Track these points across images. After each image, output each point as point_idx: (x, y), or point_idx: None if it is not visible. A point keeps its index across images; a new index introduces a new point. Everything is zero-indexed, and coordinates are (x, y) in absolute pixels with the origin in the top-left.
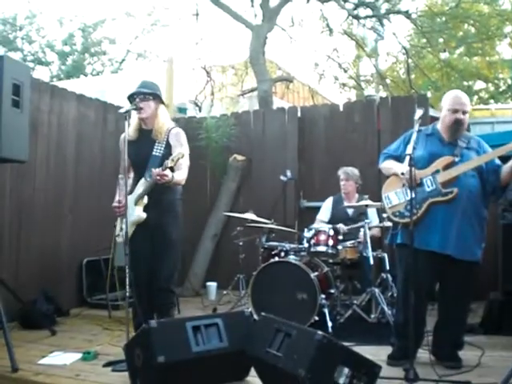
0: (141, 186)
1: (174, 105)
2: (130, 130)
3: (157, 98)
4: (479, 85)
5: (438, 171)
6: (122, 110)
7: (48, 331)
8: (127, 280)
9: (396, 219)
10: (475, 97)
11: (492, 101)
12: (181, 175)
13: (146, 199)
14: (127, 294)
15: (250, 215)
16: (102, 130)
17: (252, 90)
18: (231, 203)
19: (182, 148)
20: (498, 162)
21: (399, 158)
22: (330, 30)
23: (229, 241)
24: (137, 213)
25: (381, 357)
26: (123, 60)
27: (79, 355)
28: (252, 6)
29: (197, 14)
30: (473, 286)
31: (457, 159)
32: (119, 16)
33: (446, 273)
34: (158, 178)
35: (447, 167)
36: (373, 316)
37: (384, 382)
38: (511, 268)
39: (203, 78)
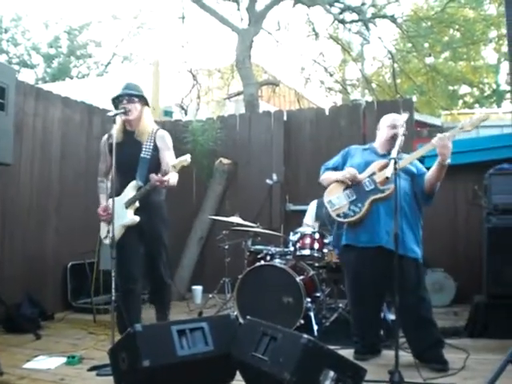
0: (132, 189)
1: (160, 108)
2: (114, 133)
3: (142, 99)
4: (464, 89)
5: (374, 173)
6: (110, 114)
7: (32, 335)
8: (113, 284)
9: (341, 219)
10: (460, 101)
11: (477, 105)
12: (174, 178)
13: (137, 203)
14: (113, 297)
15: (235, 219)
16: (88, 132)
17: (238, 94)
18: (217, 207)
19: (169, 152)
20: (424, 170)
21: (337, 170)
22: (316, 34)
23: (214, 244)
24: (130, 216)
25: (366, 360)
26: (109, 63)
27: (64, 359)
28: (238, 9)
29: (183, 18)
30: (424, 283)
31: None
32: (105, 19)
33: (394, 270)
34: (159, 183)
35: (382, 169)
36: (351, 319)
37: None
38: (496, 271)
39: (189, 81)
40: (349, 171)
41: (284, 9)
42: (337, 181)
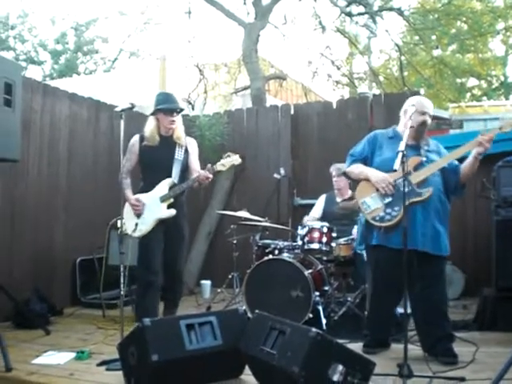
0: (165, 186)
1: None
2: (148, 136)
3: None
4: (472, 82)
5: (409, 173)
6: (117, 109)
7: (42, 331)
8: (121, 278)
9: (377, 224)
10: (468, 94)
11: (485, 98)
12: None
13: (172, 198)
14: (122, 292)
15: (243, 213)
16: (95, 128)
17: (245, 88)
18: (225, 201)
19: (196, 156)
20: (456, 162)
21: (366, 161)
22: (323, 28)
23: (223, 239)
24: (165, 210)
25: (375, 353)
26: (116, 59)
27: (73, 354)
28: (244, 3)
29: (189, 12)
30: (445, 276)
31: (424, 159)
32: (112, 15)
33: (422, 268)
34: (204, 179)
35: (416, 168)
36: (367, 313)
37: (378, 378)
38: (505, 264)
39: (196, 76)
40: (384, 181)
41: (290, 2)
42: (367, 179)
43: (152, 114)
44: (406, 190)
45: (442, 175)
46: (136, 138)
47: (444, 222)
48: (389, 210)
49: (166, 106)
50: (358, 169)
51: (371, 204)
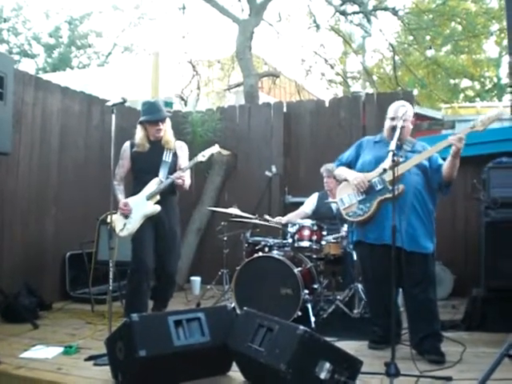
0: (154, 185)
1: (160, 99)
2: (138, 143)
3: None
4: (465, 83)
5: (385, 170)
6: (108, 104)
7: (30, 325)
8: (111, 274)
9: (351, 219)
10: (461, 95)
11: (478, 99)
12: (188, 181)
13: (158, 196)
14: (110, 287)
15: (234, 210)
16: (87, 122)
17: (238, 85)
18: (216, 198)
19: (185, 159)
20: (441, 161)
21: (350, 165)
22: (317, 26)
23: (213, 236)
24: (151, 206)
25: (363, 352)
26: (110, 53)
27: (61, 349)
28: (239, 0)
29: (183, 8)
30: (432, 276)
31: (401, 159)
32: (106, 9)
33: (406, 265)
34: (178, 176)
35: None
36: (355, 311)
37: (365, 376)
38: (494, 265)
39: (189, 72)
40: (357, 179)
41: (285, 0)
42: (347, 180)
43: (139, 123)
44: (380, 187)
45: (424, 174)
46: (127, 145)
47: (423, 220)
48: (361, 206)
49: (149, 117)
50: (340, 171)
51: (346, 201)
